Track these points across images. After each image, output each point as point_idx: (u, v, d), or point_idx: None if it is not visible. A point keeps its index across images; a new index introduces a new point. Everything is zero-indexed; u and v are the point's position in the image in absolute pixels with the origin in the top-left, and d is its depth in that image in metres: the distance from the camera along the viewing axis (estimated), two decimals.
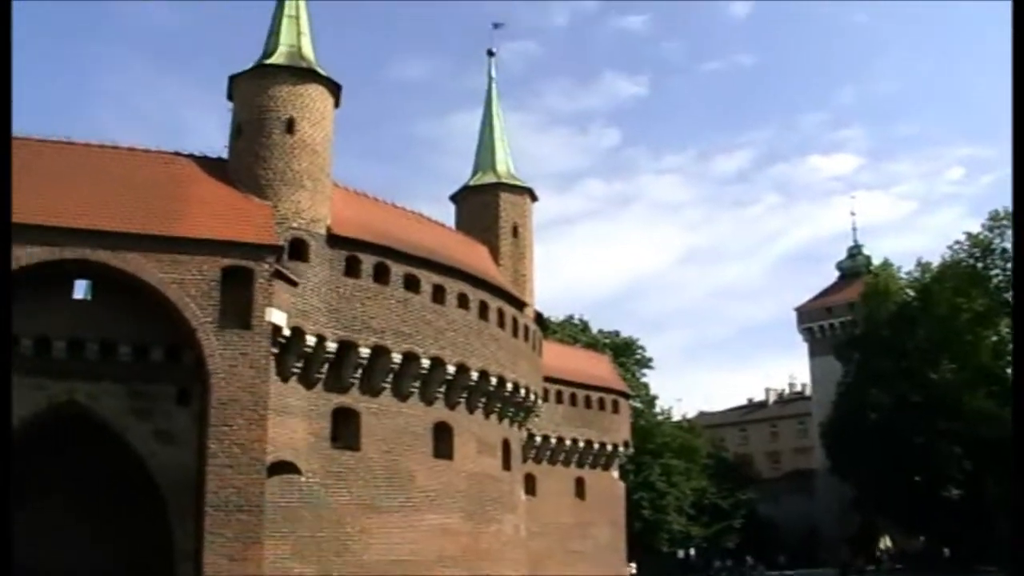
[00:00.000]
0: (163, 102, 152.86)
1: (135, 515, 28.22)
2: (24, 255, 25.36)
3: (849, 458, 72.63)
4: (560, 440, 45.99)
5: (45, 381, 26.31)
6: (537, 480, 44.51)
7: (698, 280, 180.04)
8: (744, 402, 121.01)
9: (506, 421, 35.81)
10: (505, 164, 39.21)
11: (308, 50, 30.84)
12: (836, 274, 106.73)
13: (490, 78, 41.10)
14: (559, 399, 45.91)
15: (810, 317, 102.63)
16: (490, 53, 41.29)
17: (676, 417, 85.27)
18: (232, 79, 30.06)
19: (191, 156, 29.48)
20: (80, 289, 27.12)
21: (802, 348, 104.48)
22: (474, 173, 39.33)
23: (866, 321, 76.28)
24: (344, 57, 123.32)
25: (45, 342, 26.09)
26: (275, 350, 26.83)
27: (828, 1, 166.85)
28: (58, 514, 28.92)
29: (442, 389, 31.65)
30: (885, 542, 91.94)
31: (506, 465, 35.70)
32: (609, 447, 49.23)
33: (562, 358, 46.67)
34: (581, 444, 47.39)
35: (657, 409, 78.90)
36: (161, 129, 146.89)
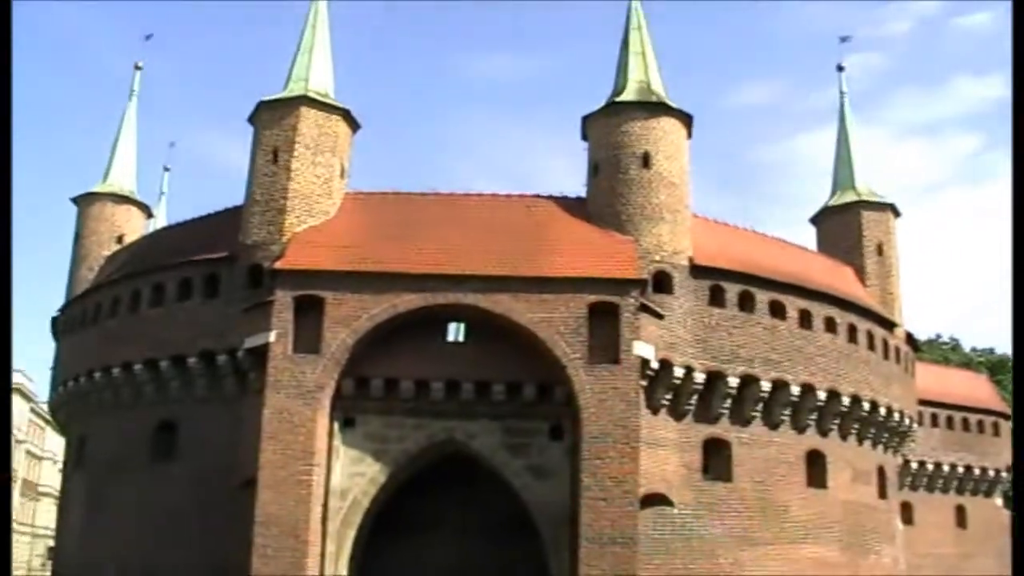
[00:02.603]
0: (511, 149, 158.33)
1: (512, 548, 29.04)
2: (401, 302, 26.85)
3: None
4: (937, 466, 44.31)
5: (425, 421, 27.65)
6: (914, 509, 42.94)
7: None
8: None
9: (880, 447, 34.31)
10: (864, 181, 37.83)
11: (657, 84, 30.94)
12: None
13: (841, 93, 39.78)
14: (935, 422, 44.11)
15: None
16: (839, 68, 39.98)
17: None
18: (585, 119, 30.57)
19: (551, 197, 30.17)
20: (453, 332, 28.24)
21: None
22: (833, 192, 38.09)
23: None
24: (690, 88, 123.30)
25: (424, 384, 27.33)
26: (644, 383, 26.90)
27: None
28: (442, 547, 30.24)
29: (813, 416, 30.65)
30: None
31: (882, 493, 34.17)
32: (991, 472, 46.58)
33: (936, 379, 44.48)
34: (960, 469, 45.35)
35: None
36: (510, 175, 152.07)
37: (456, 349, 27.97)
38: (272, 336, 26.78)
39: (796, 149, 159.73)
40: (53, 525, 63.38)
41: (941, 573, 42.69)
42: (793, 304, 30.17)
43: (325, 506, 26.70)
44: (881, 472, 34.35)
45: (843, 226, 36.75)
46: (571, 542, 25.97)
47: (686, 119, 30.34)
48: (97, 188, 37.94)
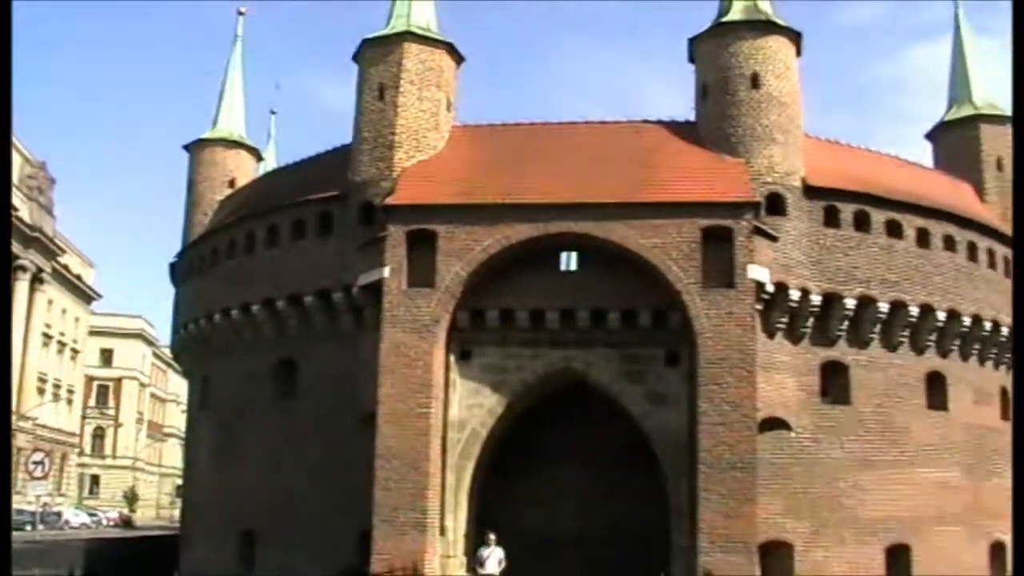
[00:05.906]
0: (616, 76, 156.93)
1: (632, 475, 29.06)
2: (513, 233, 26.96)
3: None
4: None
5: (541, 351, 27.88)
6: None
7: None
8: None
9: (1003, 368, 33.48)
10: (982, 94, 36.49)
11: (765, 3, 30.23)
12: None
13: (956, 3, 38.36)
14: None
15: None
16: None
17: None
18: (692, 41, 30.07)
19: (659, 122, 29.91)
20: (566, 261, 28.25)
21: None
22: (949, 107, 36.69)
23: None
24: (798, 5, 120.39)
25: (539, 314, 27.45)
26: (759, 306, 26.66)
27: None
28: (561, 476, 30.34)
29: (933, 337, 29.98)
30: None
31: (1005, 415, 33.31)
32: None
33: None
34: None
35: None
36: (616, 102, 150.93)
37: (570, 278, 28.02)
38: (386, 272, 27.12)
39: (909, 64, 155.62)
40: (178, 464, 65.45)
41: None
42: (910, 223, 29.47)
43: (444, 438, 27.13)
44: (1004, 393, 33.54)
45: (960, 141, 35.45)
46: (690, 468, 26.00)
47: (795, 37, 29.63)
48: (207, 134, 38.45)
